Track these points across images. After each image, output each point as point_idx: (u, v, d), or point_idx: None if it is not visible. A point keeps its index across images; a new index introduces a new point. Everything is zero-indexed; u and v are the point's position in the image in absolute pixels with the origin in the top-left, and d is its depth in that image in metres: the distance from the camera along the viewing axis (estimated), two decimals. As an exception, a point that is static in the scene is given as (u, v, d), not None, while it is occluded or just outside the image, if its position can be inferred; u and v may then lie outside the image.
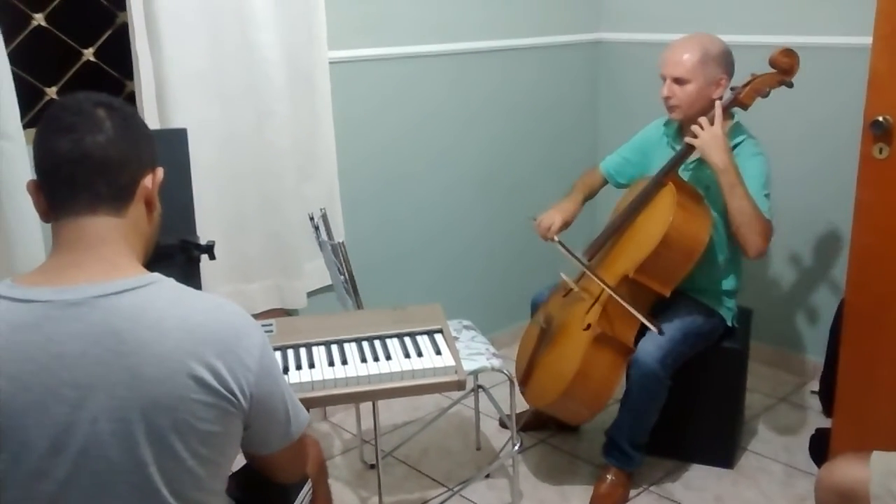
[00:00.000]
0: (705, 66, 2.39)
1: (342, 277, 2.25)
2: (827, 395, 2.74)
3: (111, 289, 1.17)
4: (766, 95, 2.37)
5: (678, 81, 2.40)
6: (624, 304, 2.33)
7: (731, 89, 2.42)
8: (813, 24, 2.94)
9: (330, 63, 2.73)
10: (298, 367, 1.87)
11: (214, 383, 1.18)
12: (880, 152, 2.15)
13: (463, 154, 3.27)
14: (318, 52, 2.68)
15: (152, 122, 2.39)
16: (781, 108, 3.02)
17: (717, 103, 2.35)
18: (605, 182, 2.78)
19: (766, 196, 2.36)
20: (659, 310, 2.47)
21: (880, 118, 2.11)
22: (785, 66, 2.34)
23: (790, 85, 2.37)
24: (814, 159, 3.03)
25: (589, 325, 2.39)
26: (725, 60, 2.42)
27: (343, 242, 2.19)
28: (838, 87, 2.90)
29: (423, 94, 3.10)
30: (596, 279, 2.39)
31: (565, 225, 2.60)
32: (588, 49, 3.62)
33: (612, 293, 2.35)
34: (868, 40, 2.13)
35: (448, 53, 3.13)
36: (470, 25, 3.18)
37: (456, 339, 2.49)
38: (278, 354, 1.88)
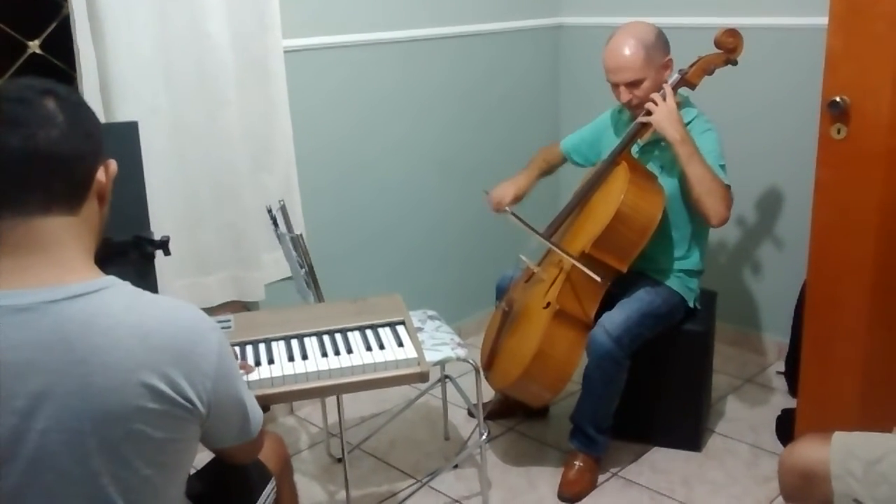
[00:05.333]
0: (650, 58, 2.42)
1: (302, 270, 2.21)
2: (792, 376, 2.76)
3: (63, 294, 1.12)
4: (711, 73, 2.44)
5: (632, 84, 2.43)
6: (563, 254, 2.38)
7: (679, 71, 2.45)
8: (769, 5, 2.95)
9: (285, 52, 2.68)
10: (257, 363, 1.82)
11: (170, 392, 1.14)
12: (838, 132, 2.15)
13: (423, 142, 3.24)
14: (271, 41, 2.62)
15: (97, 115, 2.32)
16: (740, 90, 3.04)
17: (666, 84, 2.41)
18: (565, 159, 2.83)
19: (722, 167, 2.40)
20: (619, 290, 2.49)
21: (837, 98, 2.11)
22: (729, 46, 2.42)
23: (735, 63, 2.44)
24: (774, 140, 3.05)
25: (548, 304, 2.41)
26: (662, 42, 2.46)
27: (302, 235, 2.16)
28: (795, 68, 2.92)
29: (380, 81, 3.06)
30: (553, 246, 2.43)
31: (517, 198, 2.66)
32: (549, 33, 3.60)
33: (569, 258, 2.37)
34: (823, 21, 2.13)
35: (406, 40, 3.09)
36: (427, 11, 3.14)
37: (420, 329, 2.47)
38: (236, 350, 1.85)
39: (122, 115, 2.31)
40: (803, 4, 2.84)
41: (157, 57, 2.40)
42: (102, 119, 2.30)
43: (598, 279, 2.33)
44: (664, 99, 2.35)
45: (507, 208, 2.58)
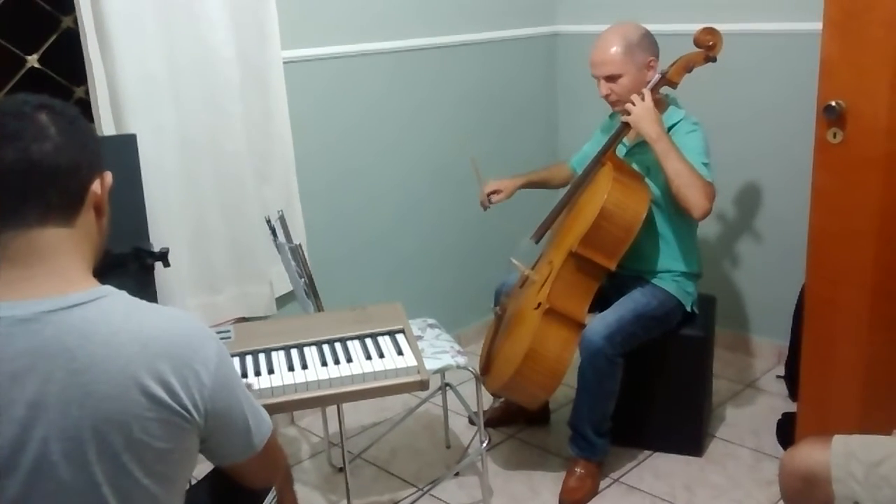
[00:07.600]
0: (631, 55, 2.45)
1: (302, 280, 2.22)
2: (792, 380, 2.76)
3: (63, 303, 1.13)
4: (690, 71, 2.47)
5: (611, 79, 2.48)
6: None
7: (660, 72, 2.48)
8: (762, 11, 2.96)
9: (284, 63, 2.69)
10: (257, 373, 1.83)
11: (167, 399, 1.15)
12: (834, 137, 2.16)
13: (420, 151, 3.25)
14: (271, 52, 2.63)
15: (107, 128, 2.33)
16: (736, 96, 3.05)
17: (646, 87, 2.45)
18: (572, 177, 2.84)
19: (706, 164, 2.42)
20: (616, 293, 2.50)
21: (833, 103, 2.12)
22: (708, 43, 2.44)
23: (714, 60, 2.46)
24: (771, 144, 3.06)
25: (539, 304, 2.43)
26: (648, 42, 2.49)
27: (301, 245, 2.16)
28: (790, 73, 2.93)
29: (377, 91, 3.06)
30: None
31: (497, 191, 2.76)
32: (545, 42, 3.61)
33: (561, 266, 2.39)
34: (816, 26, 2.14)
35: (403, 50, 3.10)
36: (425, 21, 3.16)
37: (420, 337, 2.47)
38: (236, 361, 1.85)
39: (130, 129, 2.31)
40: (797, 10, 2.85)
41: (161, 70, 2.40)
42: (113, 132, 2.31)
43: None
44: (643, 99, 2.39)
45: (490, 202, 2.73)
